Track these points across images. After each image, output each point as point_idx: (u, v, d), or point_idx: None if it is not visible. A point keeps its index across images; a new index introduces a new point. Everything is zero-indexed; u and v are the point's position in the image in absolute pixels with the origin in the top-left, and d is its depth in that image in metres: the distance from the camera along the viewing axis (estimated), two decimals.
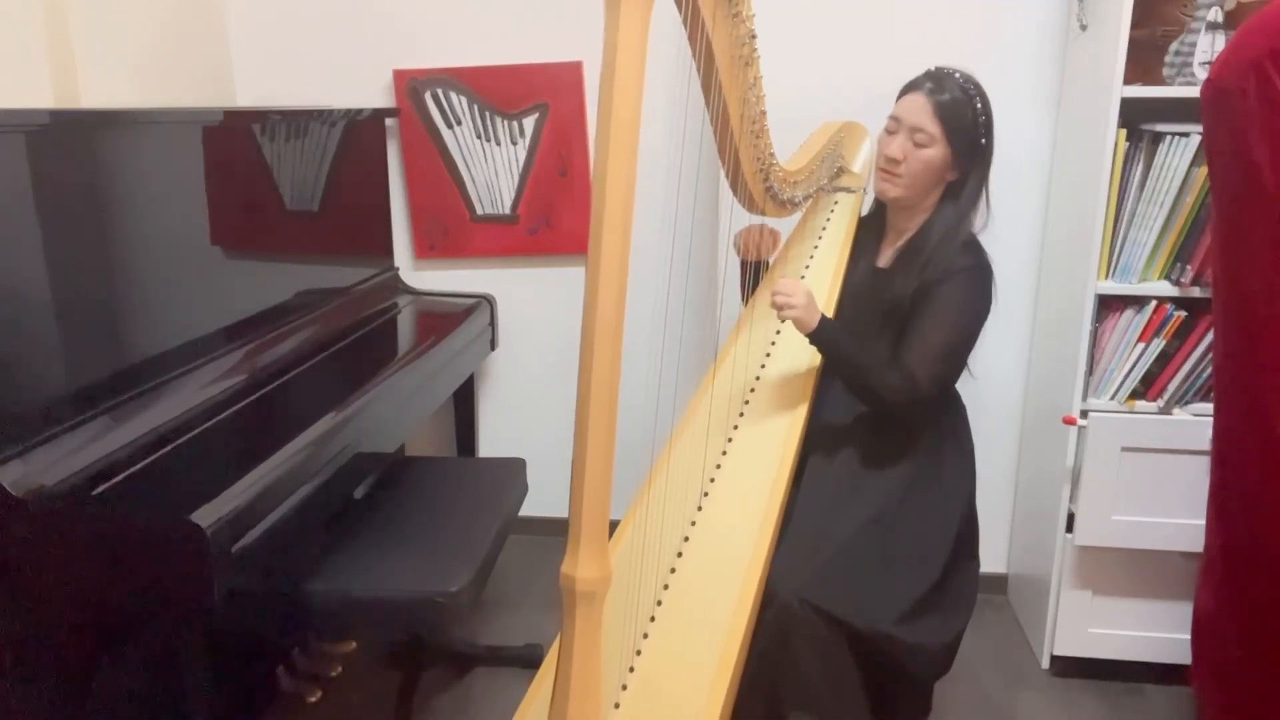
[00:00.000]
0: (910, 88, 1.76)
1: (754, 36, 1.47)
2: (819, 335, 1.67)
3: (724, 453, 1.67)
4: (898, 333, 1.73)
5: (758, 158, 1.68)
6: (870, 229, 1.93)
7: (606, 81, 1.00)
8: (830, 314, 1.80)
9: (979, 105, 1.72)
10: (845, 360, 1.70)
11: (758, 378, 1.80)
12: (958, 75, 1.74)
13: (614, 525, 1.30)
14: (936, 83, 1.73)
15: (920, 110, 1.72)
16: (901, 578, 1.62)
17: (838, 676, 1.54)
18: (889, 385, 1.66)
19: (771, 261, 2.02)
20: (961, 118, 1.71)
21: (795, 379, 1.77)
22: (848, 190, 2.06)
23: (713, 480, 1.63)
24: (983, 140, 1.74)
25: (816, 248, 1.96)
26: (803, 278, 1.90)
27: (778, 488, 1.59)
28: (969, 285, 1.70)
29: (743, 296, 2.06)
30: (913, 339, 1.68)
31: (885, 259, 1.86)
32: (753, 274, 2.01)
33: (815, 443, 1.77)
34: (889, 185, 1.78)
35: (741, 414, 1.74)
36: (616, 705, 1.28)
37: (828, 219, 2.02)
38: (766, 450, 1.65)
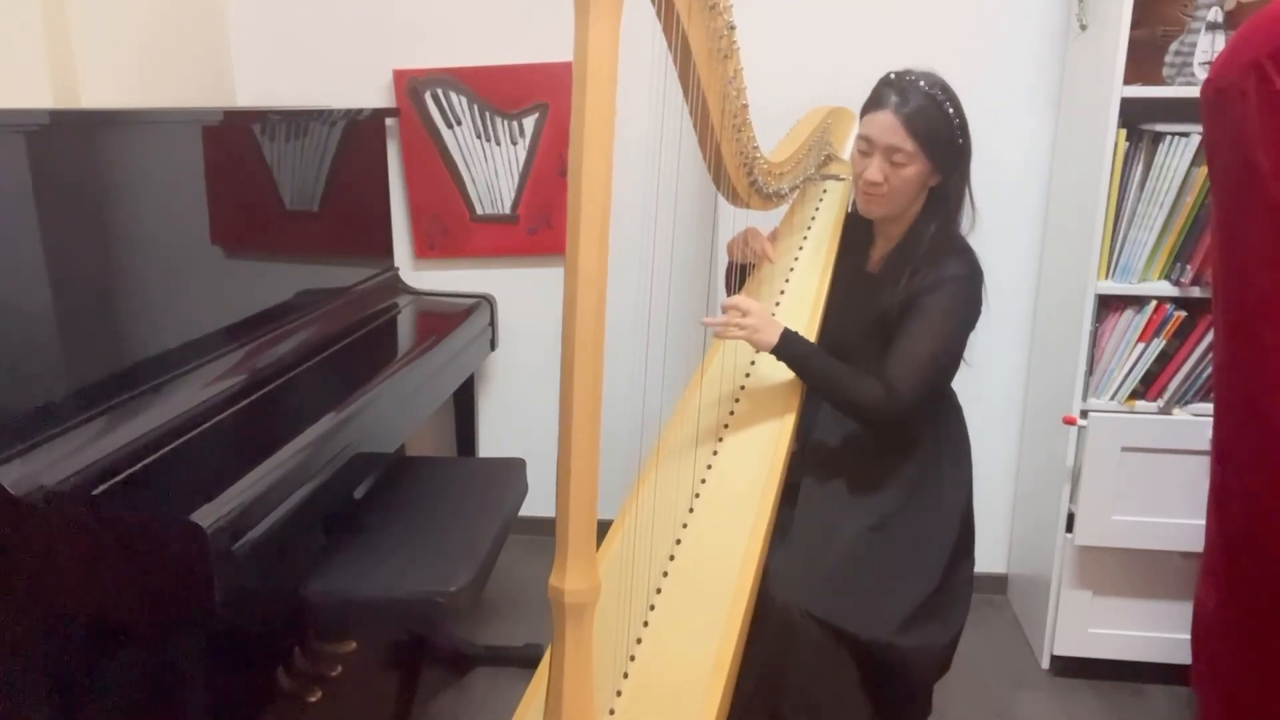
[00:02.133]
0: (875, 104, 1.66)
1: (733, 28, 1.42)
2: (783, 350, 1.63)
3: (714, 453, 1.65)
4: (886, 340, 1.69)
5: (740, 152, 1.64)
6: (859, 231, 1.88)
7: (579, 85, 0.98)
8: (820, 309, 1.77)
9: (949, 108, 1.64)
10: (818, 374, 1.66)
11: (747, 374, 1.78)
12: (921, 82, 1.65)
13: (605, 525, 1.30)
14: (901, 95, 1.63)
15: (891, 130, 1.63)
16: (901, 585, 1.61)
17: (838, 685, 1.54)
18: (868, 395, 1.63)
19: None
20: (934, 126, 1.63)
21: (785, 375, 1.74)
22: (836, 178, 2.01)
23: (703, 481, 1.61)
24: (960, 141, 1.68)
25: (805, 239, 1.92)
26: (791, 269, 1.87)
27: (769, 488, 1.57)
28: (956, 295, 1.66)
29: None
30: (897, 348, 1.65)
31: (874, 264, 1.83)
32: (739, 275, 1.96)
33: (813, 450, 1.76)
34: (873, 206, 1.72)
35: (731, 413, 1.72)
36: (611, 712, 1.28)
37: (815, 210, 1.98)
38: (757, 450, 1.64)
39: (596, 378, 1.04)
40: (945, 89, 1.66)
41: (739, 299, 1.65)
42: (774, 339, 1.63)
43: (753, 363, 1.80)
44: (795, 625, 1.50)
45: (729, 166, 1.65)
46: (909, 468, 1.72)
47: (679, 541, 1.51)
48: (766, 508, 1.55)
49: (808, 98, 2.19)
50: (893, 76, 1.68)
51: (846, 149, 2.09)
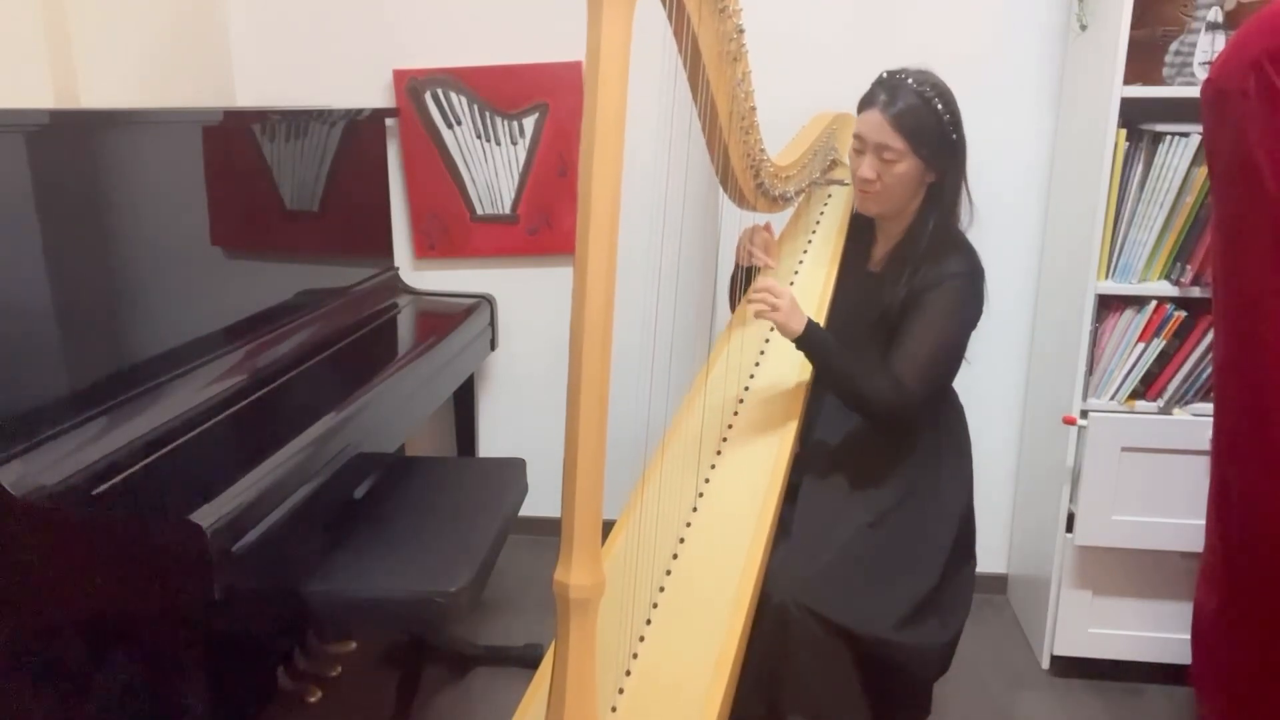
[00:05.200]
0: (866, 104, 1.70)
1: (741, 31, 1.45)
2: (806, 340, 1.64)
3: (718, 453, 1.66)
4: (889, 338, 1.71)
5: (748, 154, 1.66)
6: (862, 231, 1.90)
7: (590, 82, 0.99)
8: (824, 311, 1.78)
9: (939, 105, 1.66)
10: (834, 367, 1.66)
11: (752, 376, 1.79)
12: (910, 80, 1.67)
13: (609, 525, 1.30)
14: (890, 93, 1.66)
15: (880, 128, 1.66)
16: (900, 582, 1.62)
17: (837, 680, 1.54)
18: (877, 391, 1.64)
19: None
20: (923, 124, 1.65)
21: (789, 379, 1.76)
22: (841, 183, 2.03)
23: (707, 481, 1.62)
24: (953, 137, 1.69)
25: (810, 241, 1.94)
26: (796, 273, 1.88)
27: (772, 488, 1.58)
28: (958, 292, 1.67)
29: (731, 303, 2.05)
30: (902, 346, 1.66)
31: (876, 263, 1.84)
32: (744, 279, 1.97)
33: (814, 449, 1.76)
34: (869, 203, 1.75)
35: (736, 414, 1.73)
36: (613, 709, 1.28)
37: (820, 214, 2.00)
38: (761, 450, 1.65)
39: (604, 370, 1.05)
40: (936, 86, 1.68)
41: (772, 283, 1.65)
42: (800, 327, 1.63)
43: (757, 364, 1.81)
44: (793, 619, 1.50)
45: (736, 169, 1.67)
46: (908, 466, 1.73)
47: (682, 541, 1.52)
48: (769, 510, 1.55)
49: (807, 97, 2.19)
50: (884, 75, 1.71)
51: None
